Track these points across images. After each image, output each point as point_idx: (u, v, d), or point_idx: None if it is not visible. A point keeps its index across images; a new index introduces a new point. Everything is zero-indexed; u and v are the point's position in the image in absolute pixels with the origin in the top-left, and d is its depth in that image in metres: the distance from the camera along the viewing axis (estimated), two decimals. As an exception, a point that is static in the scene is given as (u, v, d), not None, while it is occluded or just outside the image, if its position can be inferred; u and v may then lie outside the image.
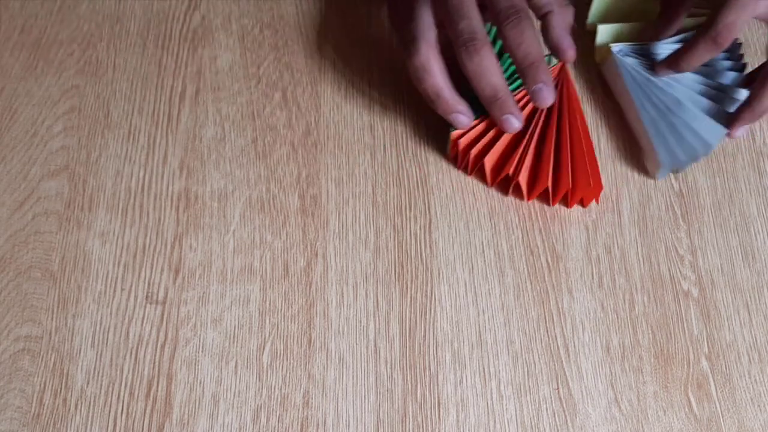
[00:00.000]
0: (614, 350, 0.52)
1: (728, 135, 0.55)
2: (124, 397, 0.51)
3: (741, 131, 0.56)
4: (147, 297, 0.53)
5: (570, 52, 0.53)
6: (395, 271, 0.55)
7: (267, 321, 0.53)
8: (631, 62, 0.58)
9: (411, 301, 0.54)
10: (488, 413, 0.50)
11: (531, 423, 0.50)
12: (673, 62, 0.56)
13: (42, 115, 0.59)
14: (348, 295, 0.54)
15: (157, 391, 0.51)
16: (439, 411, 0.50)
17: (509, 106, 0.53)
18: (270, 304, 0.53)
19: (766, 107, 0.54)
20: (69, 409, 0.50)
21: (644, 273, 0.55)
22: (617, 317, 0.53)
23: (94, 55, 0.62)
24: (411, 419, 0.50)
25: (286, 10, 0.63)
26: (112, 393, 0.51)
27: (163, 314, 0.53)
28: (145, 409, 0.50)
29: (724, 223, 0.56)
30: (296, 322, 0.53)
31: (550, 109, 0.55)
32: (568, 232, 0.56)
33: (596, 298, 0.54)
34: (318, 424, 0.50)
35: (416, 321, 0.53)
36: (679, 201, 0.57)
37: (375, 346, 0.52)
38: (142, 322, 0.53)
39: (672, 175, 0.58)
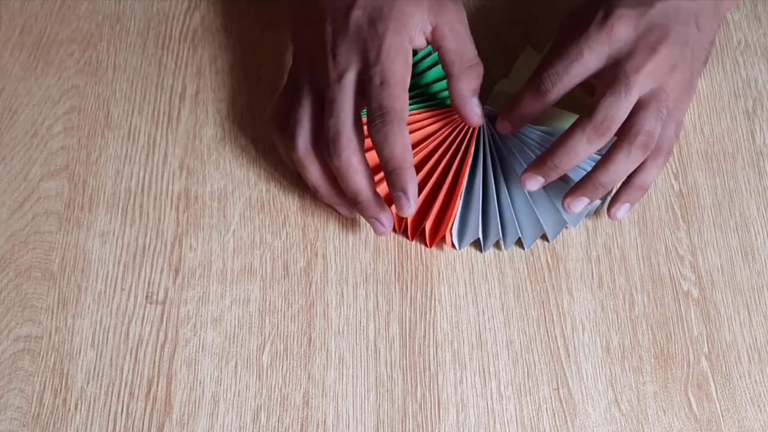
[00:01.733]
0: (614, 350, 0.52)
1: (568, 211, 0.52)
2: (124, 397, 0.51)
3: (579, 205, 0.51)
4: (147, 297, 0.53)
5: (473, 119, 0.53)
6: (395, 271, 0.55)
7: (267, 321, 0.53)
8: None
9: (411, 301, 0.54)
10: (488, 413, 0.50)
11: (531, 423, 0.50)
12: (506, 116, 0.53)
13: (42, 115, 0.59)
14: (348, 295, 0.54)
15: (157, 391, 0.51)
16: (439, 411, 0.50)
17: (372, 211, 0.51)
18: (270, 304, 0.53)
19: (609, 180, 0.50)
20: (69, 409, 0.50)
21: (644, 273, 0.55)
22: (617, 317, 0.53)
23: (94, 55, 0.62)
24: (411, 419, 0.50)
25: (286, 10, 0.63)
26: (112, 393, 0.51)
27: (163, 314, 0.53)
28: (145, 409, 0.50)
29: (724, 224, 0.56)
30: (296, 322, 0.53)
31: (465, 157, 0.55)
32: (568, 233, 0.56)
33: (596, 298, 0.54)
34: (318, 424, 0.50)
35: (416, 321, 0.53)
36: (679, 201, 0.57)
37: (375, 346, 0.52)
38: (142, 322, 0.53)
39: (672, 175, 0.58)
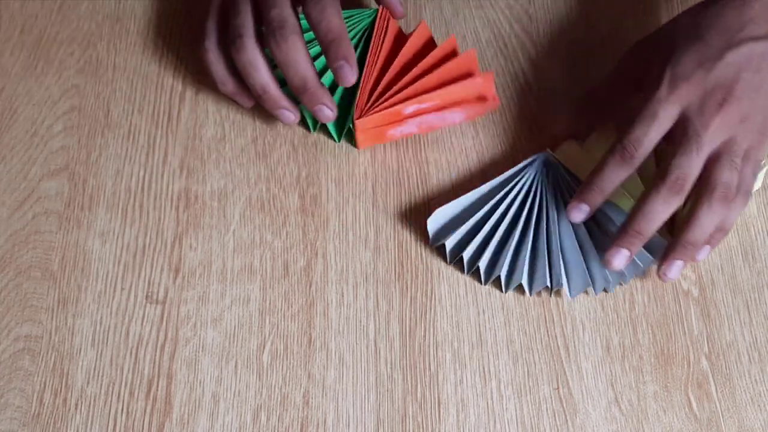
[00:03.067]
0: (614, 350, 0.52)
1: (661, 276, 0.50)
2: (124, 396, 0.50)
3: (674, 270, 0.50)
4: (147, 296, 0.53)
5: (399, 9, 0.58)
6: (395, 270, 0.55)
7: (267, 321, 0.53)
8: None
9: (411, 301, 0.54)
10: (488, 413, 0.50)
11: (531, 423, 0.50)
12: (583, 191, 0.51)
13: (42, 115, 0.59)
14: (348, 295, 0.54)
15: (157, 390, 0.51)
16: (439, 411, 0.50)
17: (320, 97, 0.54)
18: (270, 304, 0.53)
19: (698, 238, 0.49)
20: (69, 409, 0.50)
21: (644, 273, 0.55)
22: (617, 317, 0.53)
23: (94, 55, 0.62)
24: (411, 419, 0.50)
25: (286, 10, 0.63)
26: (112, 392, 0.51)
27: (163, 314, 0.53)
28: (145, 409, 0.50)
29: (724, 223, 0.56)
30: (296, 322, 0.53)
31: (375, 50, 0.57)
32: (568, 232, 0.56)
33: (596, 298, 0.54)
34: (318, 424, 0.50)
35: (416, 321, 0.53)
36: (679, 201, 0.57)
37: (375, 345, 0.52)
38: (142, 321, 0.53)
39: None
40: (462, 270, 0.54)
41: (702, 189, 0.49)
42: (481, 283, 0.54)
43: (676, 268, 0.50)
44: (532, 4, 0.65)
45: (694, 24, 0.51)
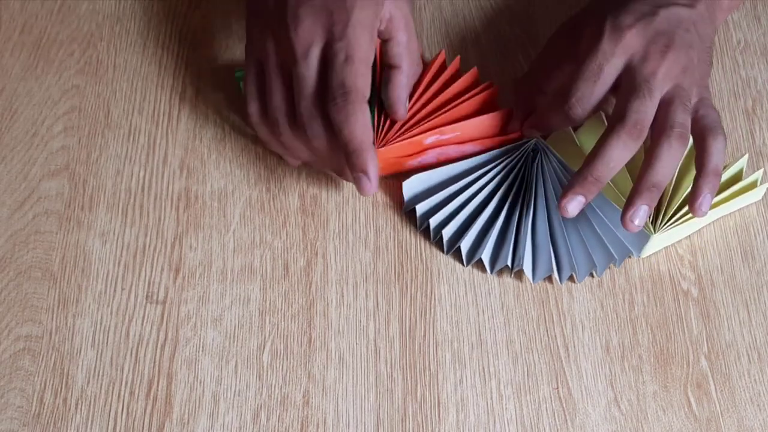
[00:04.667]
0: (614, 350, 0.52)
1: (629, 225, 0.50)
2: (124, 396, 0.51)
3: (640, 215, 0.49)
4: (147, 297, 0.53)
5: (401, 113, 0.54)
6: (395, 271, 0.55)
7: (267, 321, 0.53)
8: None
9: (411, 301, 0.54)
10: (488, 413, 0.50)
11: (531, 422, 0.50)
12: (534, 122, 0.55)
13: (42, 115, 0.59)
14: (348, 295, 0.54)
15: (157, 390, 0.51)
16: (439, 411, 0.50)
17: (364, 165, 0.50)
18: (270, 304, 0.53)
19: (662, 179, 0.50)
20: (69, 409, 0.50)
21: (644, 273, 0.55)
22: (617, 317, 0.53)
23: (95, 55, 0.62)
24: (411, 419, 0.50)
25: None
26: (112, 392, 0.51)
27: (163, 314, 0.53)
28: (145, 409, 0.50)
29: (724, 223, 0.57)
30: (296, 322, 0.53)
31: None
32: (568, 232, 0.56)
33: (596, 297, 0.54)
34: (318, 424, 0.50)
35: (416, 321, 0.53)
36: (678, 201, 0.57)
37: (375, 345, 0.52)
38: (143, 321, 0.53)
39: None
40: (442, 249, 0.55)
41: (659, 131, 0.50)
42: (464, 266, 0.54)
43: (642, 213, 0.49)
44: (532, 4, 0.65)
45: None
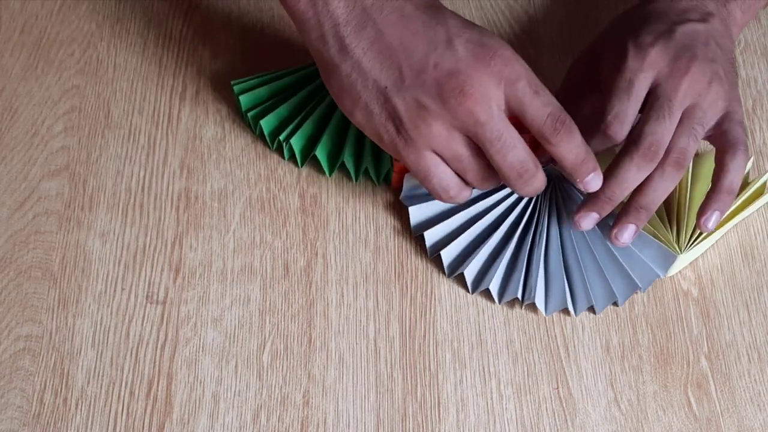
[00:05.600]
0: (614, 350, 0.52)
1: (616, 241, 0.51)
2: (124, 396, 0.51)
3: (627, 233, 0.51)
4: (147, 297, 0.53)
5: (594, 185, 0.50)
6: (395, 270, 0.55)
7: (267, 321, 0.53)
8: None
9: (411, 300, 0.54)
10: (488, 413, 0.50)
11: (531, 422, 0.50)
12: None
13: (42, 115, 0.59)
14: (348, 295, 0.54)
15: (157, 390, 0.51)
16: (439, 411, 0.50)
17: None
18: (270, 304, 0.53)
19: (651, 202, 0.50)
20: (69, 409, 0.50)
21: (644, 273, 0.55)
22: (617, 317, 0.53)
23: (95, 55, 0.62)
24: (411, 419, 0.50)
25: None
26: (112, 393, 0.51)
27: (163, 314, 0.53)
28: (145, 409, 0.50)
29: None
30: (296, 322, 0.53)
31: None
32: (568, 232, 0.56)
33: (596, 297, 0.54)
34: (318, 424, 0.50)
35: (416, 321, 0.53)
36: (678, 201, 0.57)
37: (375, 345, 0.52)
38: (143, 321, 0.53)
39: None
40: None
41: None
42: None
43: (629, 232, 0.51)
44: (532, 4, 0.65)
45: (633, 19, 0.53)
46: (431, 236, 0.54)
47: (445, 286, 0.54)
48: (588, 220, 0.51)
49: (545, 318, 0.53)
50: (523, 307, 0.53)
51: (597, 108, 0.51)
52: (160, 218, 0.56)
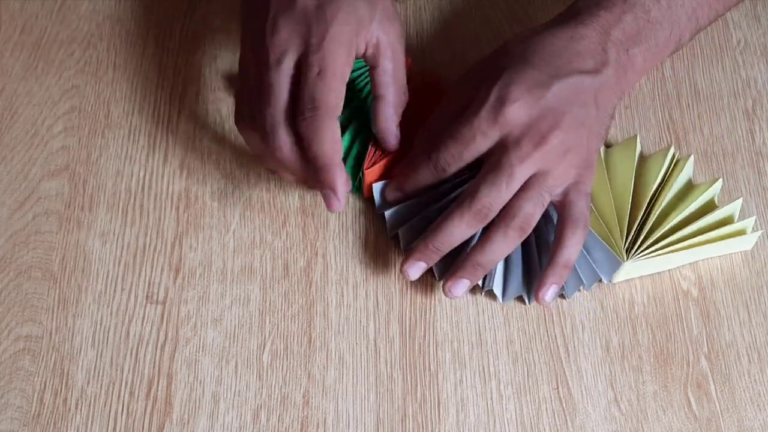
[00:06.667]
0: (614, 350, 0.52)
1: (449, 294, 0.51)
2: (124, 396, 0.51)
3: (460, 288, 0.51)
4: (147, 297, 0.53)
5: (390, 143, 0.53)
6: (395, 271, 0.55)
7: (267, 321, 0.53)
8: None
9: (411, 300, 0.54)
10: (488, 413, 0.50)
11: (531, 422, 0.50)
12: (401, 182, 0.53)
13: (42, 115, 0.59)
14: (348, 295, 0.54)
15: (157, 390, 0.51)
16: (439, 411, 0.50)
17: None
18: (270, 304, 0.53)
19: (487, 261, 0.50)
20: (69, 409, 0.50)
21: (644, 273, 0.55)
22: (617, 317, 0.53)
23: (95, 55, 0.62)
24: (411, 419, 0.50)
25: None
26: (112, 393, 0.51)
27: (163, 314, 0.53)
28: (145, 409, 0.50)
29: (723, 223, 0.57)
30: (296, 322, 0.53)
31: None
32: (568, 232, 0.56)
33: (596, 297, 0.54)
34: (318, 424, 0.50)
35: (416, 321, 0.53)
36: (678, 201, 0.57)
37: (375, 345, 0.52)
38: (143, 321, 0.53)
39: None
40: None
41: (502, 215, 0.49)
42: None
43: (462, 286, 0.51)
44: (532, 4, 0.65)
45: (523, 50, 0.50)
46: (392, 218, 0.54)
47: (445, 286, 0.54)
48: (415, 269, 0.51)
49: (545, 318, 0.53)
50: (523, 307, 0.53)
51: (444, 129, 0.51)
52: (160, 218, 0.56)
